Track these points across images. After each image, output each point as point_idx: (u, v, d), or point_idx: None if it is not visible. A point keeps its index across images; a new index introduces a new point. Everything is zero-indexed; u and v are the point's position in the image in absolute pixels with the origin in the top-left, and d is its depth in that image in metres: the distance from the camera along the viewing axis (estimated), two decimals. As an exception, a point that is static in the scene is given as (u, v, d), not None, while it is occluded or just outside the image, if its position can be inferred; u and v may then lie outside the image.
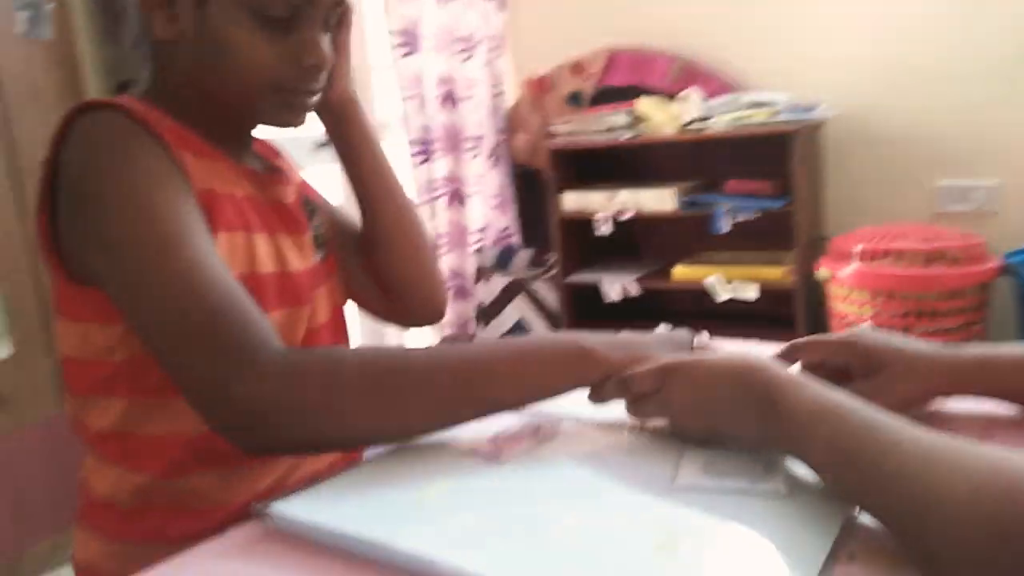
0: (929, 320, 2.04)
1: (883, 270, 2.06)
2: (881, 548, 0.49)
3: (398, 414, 0.64)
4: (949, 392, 0.69)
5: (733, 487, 0.58)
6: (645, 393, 0.67)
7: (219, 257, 0.68)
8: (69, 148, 0.70)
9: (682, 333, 0.79)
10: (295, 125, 0.80)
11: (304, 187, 0.93)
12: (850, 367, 0.71)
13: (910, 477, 0.48)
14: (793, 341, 0.75)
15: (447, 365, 0.66)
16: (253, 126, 0.83)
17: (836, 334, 0.73)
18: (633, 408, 0.68)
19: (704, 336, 0.82)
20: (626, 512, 0.55)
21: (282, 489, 0.62)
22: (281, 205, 0.84)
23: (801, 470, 0.59)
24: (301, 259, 0.83)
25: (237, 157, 0.81)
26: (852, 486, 0.52)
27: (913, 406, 0.68)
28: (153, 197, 0.67)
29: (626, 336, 0.74)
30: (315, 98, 0.80)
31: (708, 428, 0.65)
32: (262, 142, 0.91)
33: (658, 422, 0.69)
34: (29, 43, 1.86)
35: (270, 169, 0.87)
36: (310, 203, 0.91)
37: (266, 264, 0.78)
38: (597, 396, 0.69)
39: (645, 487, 0.59)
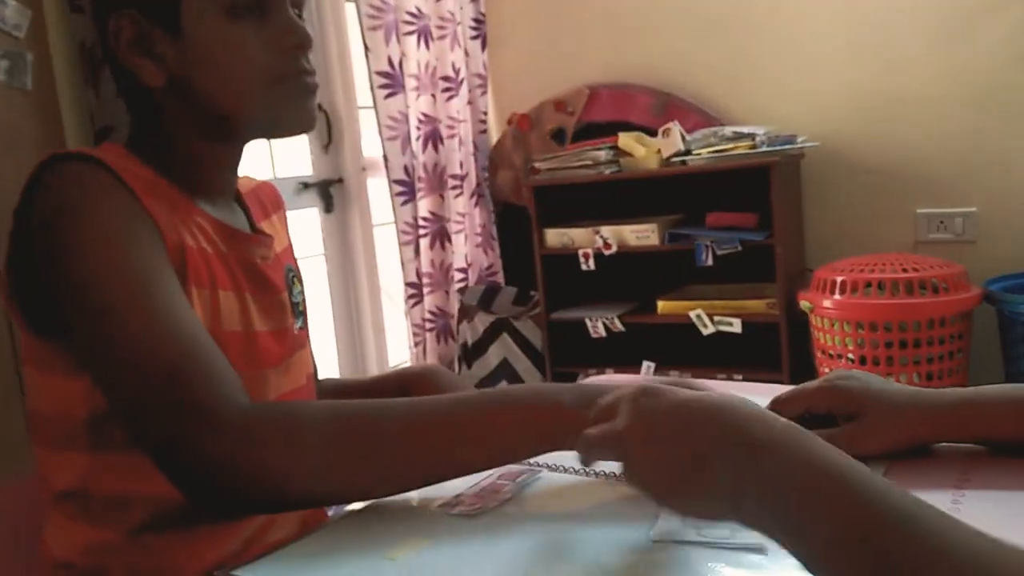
0: (913, 350, 2.04)
1: (865, 301, 2.07)
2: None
3: (360, 475, 0.62)
4: (930, 439, 0.69)
5: (712, 539, 0.57)
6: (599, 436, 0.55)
7: (188, 307, 0.67)
8: (39, 198, 0.69)
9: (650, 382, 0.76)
10: (311, 120, 0.79)
11: (289, 255, 0.92)
12: (832, 413, 0.70)
13: None
14: (774, 397, 0.74)
15: (413, 425, 0.63)
16: (268, 135, 0.82)
17: (815, 382, 0.73)
18: (582, 448, 0.56)
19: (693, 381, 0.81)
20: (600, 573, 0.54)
21: (249, 553, 0.60)
22: (253, 264, 0.82)
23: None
24: (269, 320, 0.82)
25: (213, 209, 0.80)
26: None
27: (893, 451, 0.68)
28: (118, 248, 0.66)
29: (590, 387, 0.69)
30: (313, 83, 0.78)
31: (665, 484, 0.51)
32: (269, 192, 0.91)
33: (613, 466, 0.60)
34: (8, 91, 1.86)
35: (251, 228, 0.86)
36: (293, 271, 0.90)
37: (231, 322, 0.77)
38: (584, 462, 0.59)
39: (621, 541, 0.58)
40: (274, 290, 0.83)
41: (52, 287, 0.68)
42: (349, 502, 0.66)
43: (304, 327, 0.88)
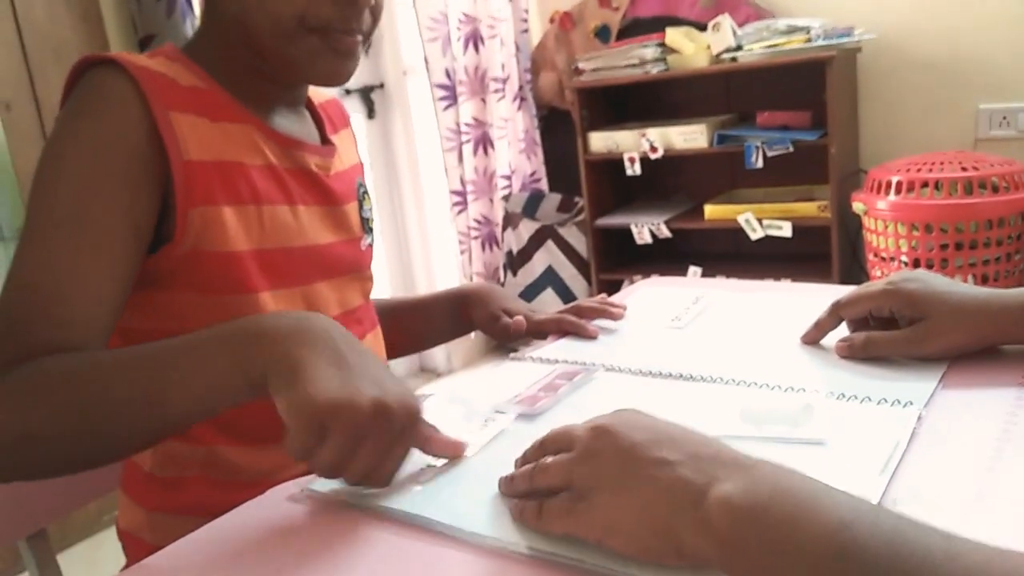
0: (968, 251, 2.00)
1: (921, 201, 2.01)
2: (924, 495, 0.49)
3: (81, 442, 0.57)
4: (995, 340, 0.68)
5: (772, 435, 0.58)
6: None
7: (96, 262, 0.63)
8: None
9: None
10: (338, 78, 0.74)
11: (359, 171, 0.89)
12: (895, 316, 0.70)
13: None
14: (835, 300, 0.74)
15: (110, 371, 0.57)
16: (293, 81, 0.78)
17: (878, 283, 0.71)
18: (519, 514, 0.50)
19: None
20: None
21: None
22: (310, 174, 0.78)
23: (843, 415, 0.59)
24: (331, 232, 0.79)
25: (272, 118, 0.77)
26: None
27: (959, 353, 0.67)
28: (75, 174, 0.64)
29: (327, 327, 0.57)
30: (358, 41, 0.72)
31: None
32: (335, 107, 0.88)
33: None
34: (52, 3, 1.85)
35: (322, 140, 0.83)
36: (363, 187, 0.87)
37: (281, 238, 0.74)
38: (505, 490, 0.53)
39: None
40: (336, 201, 0.81)
41: None
42: (86, 469, 0.61)
43: (371, 244, 0.87)
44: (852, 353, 0.70)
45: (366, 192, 0.87)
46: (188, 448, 0.74)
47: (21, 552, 0.78)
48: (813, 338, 0.75)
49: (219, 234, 0.69)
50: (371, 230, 0.87)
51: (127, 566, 0.78)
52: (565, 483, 0.47)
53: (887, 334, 0.69)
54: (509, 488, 0.52)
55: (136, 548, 0.77)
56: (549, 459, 0.50)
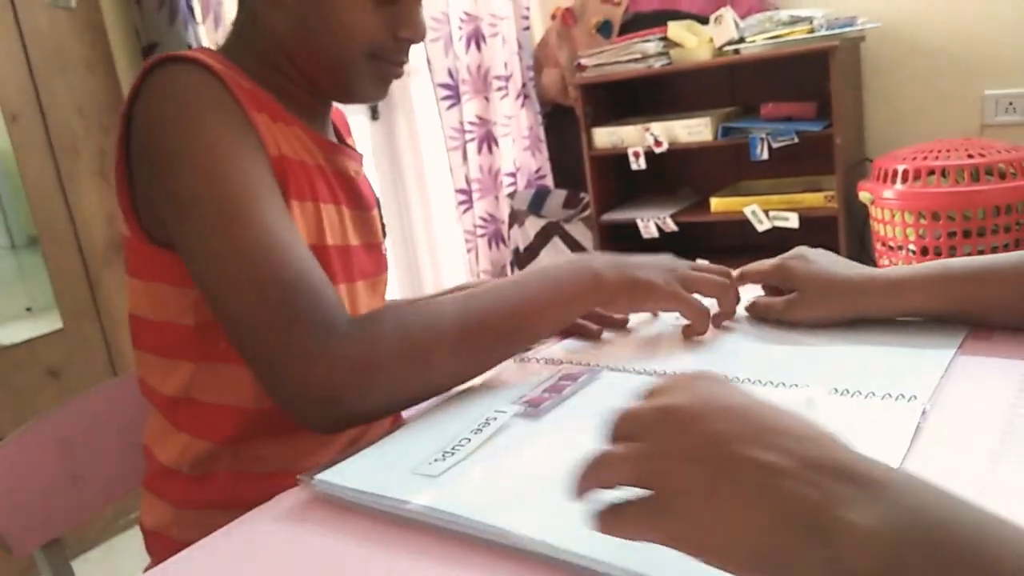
0: (976, 239, 1.99)
1: (927, 189, 2.00)
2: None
3: (474, 360, 0.68)
4: (859, 314, 0.74)
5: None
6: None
7: (292, 223, 0.67)
8: (143, 102, 0.68)
9: (675, 259, 0.82)
10: (379, 98, 0.81)
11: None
12: (783, 288, 0.79)
13: None
14: (739, 269, 0.82)
15: (503, 311, 0.69)
16: (335, 98, 0.82)
17: (773, 259, 0.80)
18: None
19: (702, 263, 0.85)
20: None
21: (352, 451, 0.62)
22: (349, 178, 0.82)
23: (846, 411, 0.59)
24: (361, 235, 0.83)
25: (311, 124, 0.79)
26: None
27: (826, 323, 0.75)
28: (225, 157, 0.65)
29: (619, 256, 0.77)
30: (401, 72, 0.80)
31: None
32: (338, 113, 0.91)
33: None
34: (54, 12, 1.86)
35: (341, 142, 0.86)
36: (373, 191, 0.90)
37: (332, 236, 0.77)
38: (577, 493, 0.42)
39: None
40: (367, 206, 0.85)
41: (161, 194, 0.67)
42: (457, 385, 0.70)
43: (386, 248, 0.90)
44: (747, 311, 0.82)
45: (377, 199, 0.91)
46: (215, 446, 0.75)
47: (36, 561, 0.79)
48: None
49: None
50: (386, 235, 0.91)
51: (151, 565, 0.79)
52: (637, 480, 0.38)
53: (766, 299, 0.80)
54: (581, 486, 0.40)
55: (161, 546, 0.78)
56: (615, 448, 0.40)
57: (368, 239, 0.85)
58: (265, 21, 0.75)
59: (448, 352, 0.66)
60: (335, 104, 0.90)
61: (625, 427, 0.41)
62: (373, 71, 0.76)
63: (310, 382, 0.60)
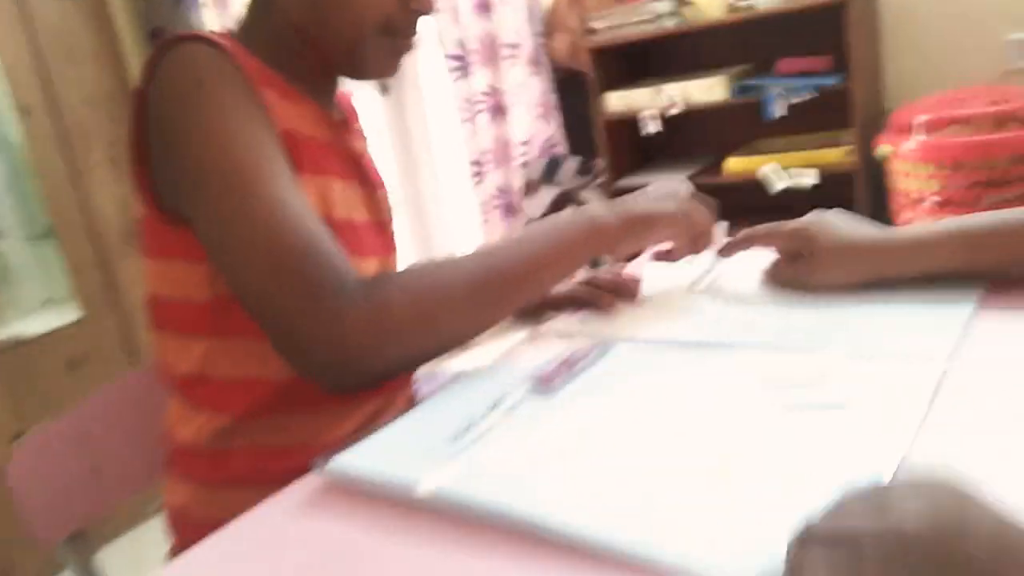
0: (998, 189, 1.94)
1: (948, 140, 1.95)
2: (949, 456, 0.48)
3: (484, 315, 0.69)
4: (878, 276, 0.72)
5: (792, 401, 0.57)
6: None
7: (302, 193, 0.68)
8: (158, 80, 0.70)
9: (677, 184, 0.81)
10: (392, 73, 0.81)
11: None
12: (803, 252, 0.76)
13: None
14: (748, 230, 0.80)
15: (509, 266, 0.69)
16: (348, 74, 0.82)
17: (792, 222, 0.77)
18: None
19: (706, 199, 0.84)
20: (680, 439, 0.55)
21: (370, 429, 0.63)
22: (358, 156, 0.84)
23: (864, 375, 0.58)
24: (371, 212, 0.84)
25: (319, 103, 0.81)
26: None
27: (842, 287, 0.73)
28: (237, 132, 0.67)
29: (620, 199, 0.77)
30: (412, 45, 0.80)
31: None
32: (345, 97, 0.91)
33: None
34: (62, 1, 1.86)
35: (348, 121, 0.88)
36: (379, 173, 0.92)
37: (341, 209, 0.79)
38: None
39: (696, 408, 0.58)
40: (375, 184, 0.86)
41: (175, 170, 0.69)
42: (471, 338, 0.70)
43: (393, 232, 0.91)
44: (764, 277, 0.80)
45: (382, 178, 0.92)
46: (234, 422, 0.76)
47: (60, 552, 0.80)
48: (725, 252, 0.84)
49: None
50: (392, 218, 0.92)
51: (175, 545, 0.81)
52: None
53: (783, 265, 0.78)
54: None
55: (184, 525, 0.80)
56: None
57: (377, 216, 0.86)
58: (275, 7, 0.77)
59: (457, 308, 0.66)
60: (345, 89, 0.90)
61: (829, 535, 0.28)
62: (385, 47, 0.77)
63: (324, 343, 0.61)
